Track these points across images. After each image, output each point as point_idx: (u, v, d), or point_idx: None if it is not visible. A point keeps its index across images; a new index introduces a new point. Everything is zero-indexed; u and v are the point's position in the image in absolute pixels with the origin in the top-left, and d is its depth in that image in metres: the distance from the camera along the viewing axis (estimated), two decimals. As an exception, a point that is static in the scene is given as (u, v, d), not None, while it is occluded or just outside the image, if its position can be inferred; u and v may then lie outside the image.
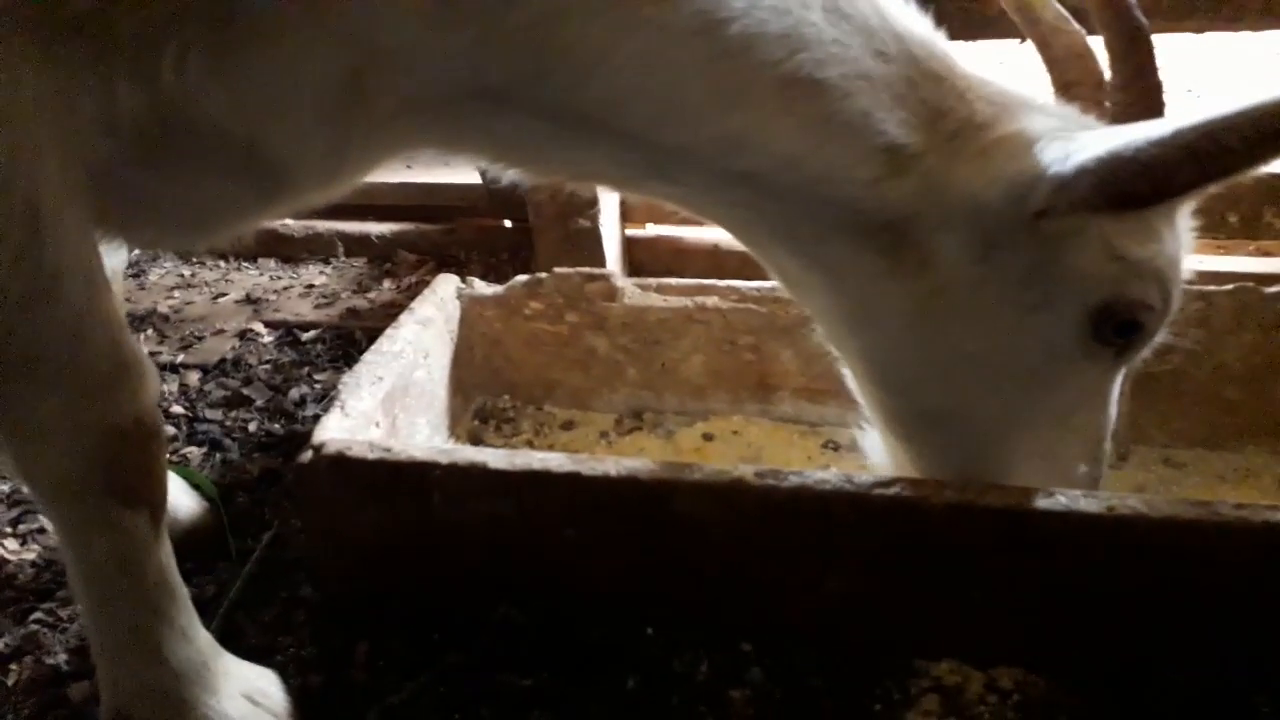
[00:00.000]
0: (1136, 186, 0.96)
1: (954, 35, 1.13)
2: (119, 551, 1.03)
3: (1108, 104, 1.15)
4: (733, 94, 0.98)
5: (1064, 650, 1.22)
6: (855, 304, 1.14)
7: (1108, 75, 1.15)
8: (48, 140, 0.86)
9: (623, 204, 2.35)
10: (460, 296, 1.82)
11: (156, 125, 0.91)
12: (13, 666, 1.33)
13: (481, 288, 1.84)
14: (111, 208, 0.98)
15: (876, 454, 1.32)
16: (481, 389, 1.88)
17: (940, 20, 1.10)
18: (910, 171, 1.03)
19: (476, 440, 1.80)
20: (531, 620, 1.31)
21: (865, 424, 1.33)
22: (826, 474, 1.20)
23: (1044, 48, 1.22)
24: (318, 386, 2.04)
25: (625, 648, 1.28)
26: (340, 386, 1.46)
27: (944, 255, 1.06)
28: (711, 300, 1.73)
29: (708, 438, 1.76)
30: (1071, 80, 1.20)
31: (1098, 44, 1.17)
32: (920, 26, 1.05)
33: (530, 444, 1.79)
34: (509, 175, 1.16)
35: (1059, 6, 1.21)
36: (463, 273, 1.90)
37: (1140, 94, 1.10)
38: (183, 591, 1.11)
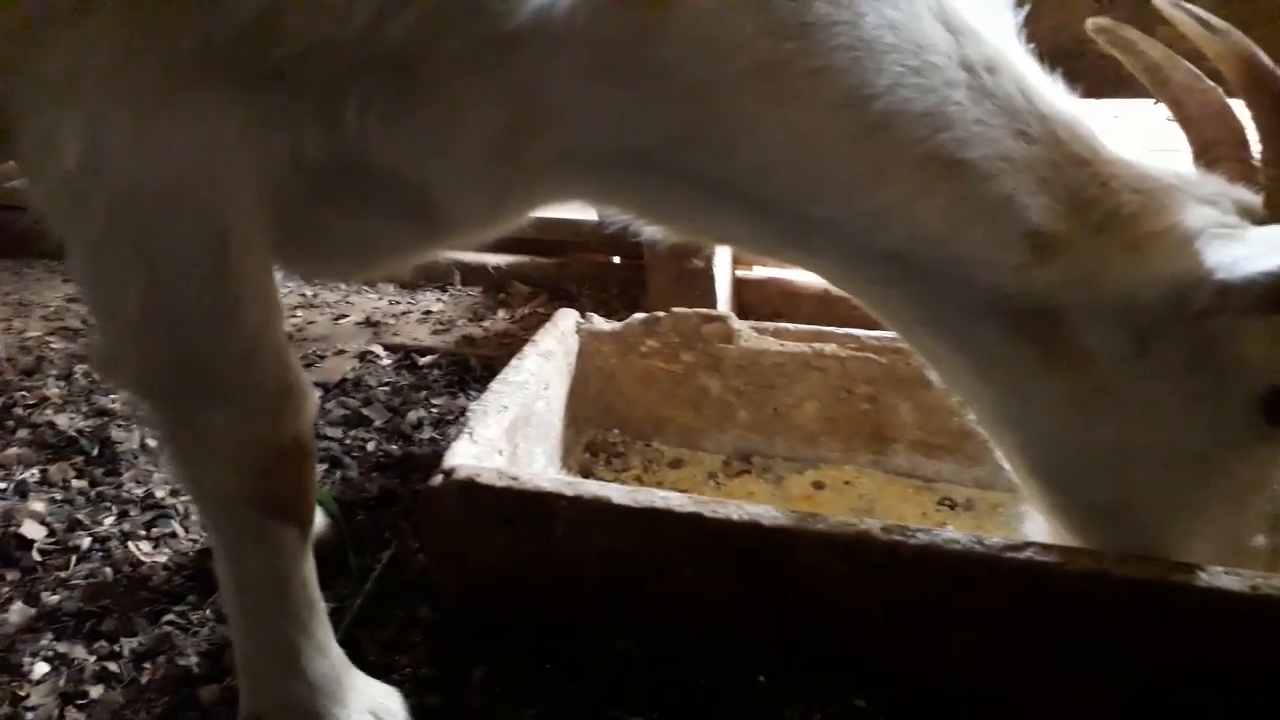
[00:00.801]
0: None
1: (1089, 94, 1.11)
2: (270, 564, 1.08)
3: (1255, 163, 1.12)
4: (874, 171, 0.99)
5: (1195, 730, 1.17)
6: (1007, 393, 1.12)
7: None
8: (242, 174, 0.92)
9: (735, 246, 2.37)
10: (579, 331, 1.86)
11: (336, 164, 0.97)
12: (146, 665, 1.39)
13: (600, 323, 1.88)
14: (285, 239, 1.03)
15: (1041, 536, 1.29)
16: (593, 422, 1.91)
17: (1075, 79, 1.09)
18: (1056, 260, 1.02)
19: (586, 473, 1.82)
20: (647, 657, 1.31)
21: (1027, 506, 1.31)
22: (956, 534, 1.19)
23: (1177, 108, 1.18)
24: (434, 411, 2.10)
25: (737, 693, 1.28)
26: (468, 413, 1.50)
27: (1099, 349, 1.04)
28: (830, 347, 1.73)
29: (818, 486, 1.75)
30: (1210, 139, 1.16)
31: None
32: (1065, 105, 1.04)
33: (639, 480, 1.81)
34: (649, 230, 1.18)
35: (1190, 65, 1.18)
36: (573, 306, 1.94)
37: None
38: (322, 606, 1.15)
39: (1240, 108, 1.12)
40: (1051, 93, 1.03)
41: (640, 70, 0.94)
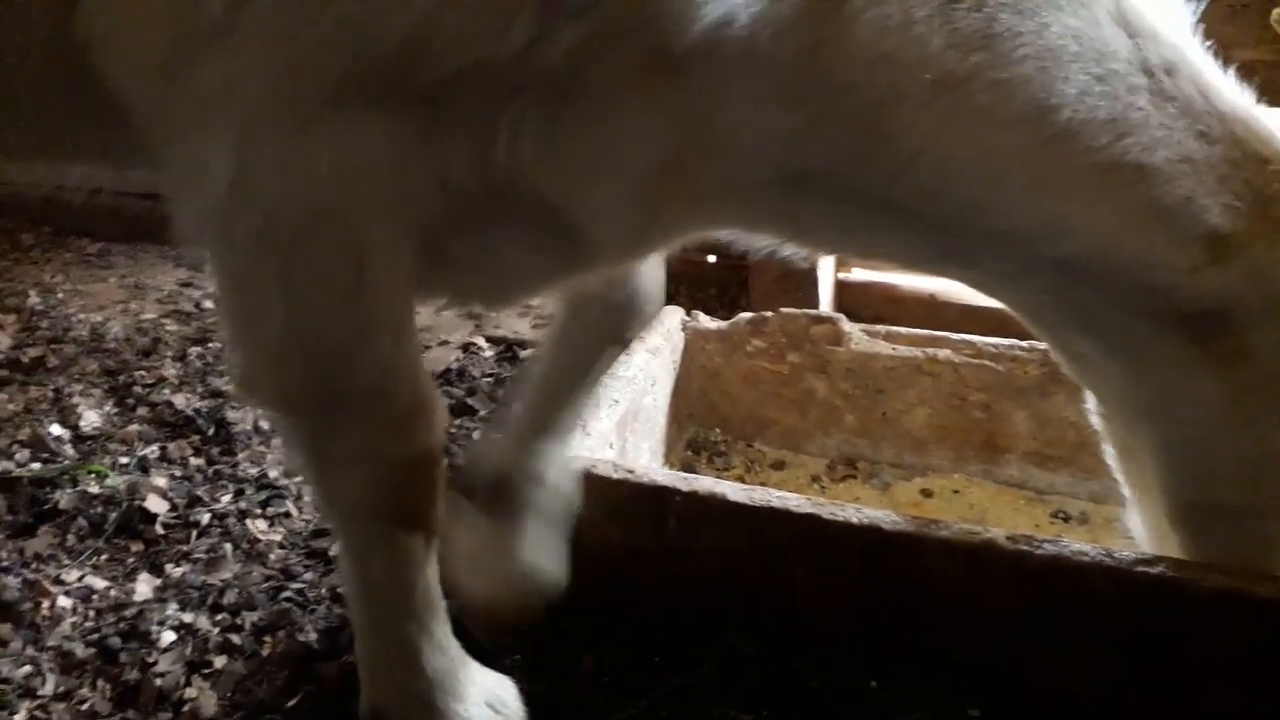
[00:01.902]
0: None
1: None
2: (394, 570, 1.09)
3: None
4: (1053, 181, 0.97)
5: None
6: (1158, 393, 1.10)
7: None
8: (383, 201, 0.92)
9: (838, 248, 2.35)
10: (685, 329, 1.86)
11: (480, 192, 0.95)
12: (266, 639, 1.43)
13: (705, 321, 1.88)
14: (420, 267, 1.02)
15: (1140, 537, 1.26)
16: (695, 420, 1.91)
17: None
18: (1232, 260, 0.99)
19: (688, 470, 1.82)
20: (756, 654, 1.31)
21: (1129, 506, 1.28)
22: (1085, 546, 1.16)
23: None
24: (536, 403, 2.12)
25: (847, 696, 1.27)
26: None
27: (1263, 348, 1.02)
28: (944, 353, 1.70)
29: (926, 494, 1.73)
30: None
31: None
32: (1243, 103, 1.00)
33: (741, 479, 1.81)
34: (788, 250, 1.16)
35: None
36: (671, 304, 1.94)
37: None
38: (442, 605, 1.16)
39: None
40: (1229, 90, 1.00)
41: (819, 90, 0.91)
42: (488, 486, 1.37)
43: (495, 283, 1.15)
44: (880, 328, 1.78)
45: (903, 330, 1.77)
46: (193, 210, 0.95)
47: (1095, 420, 1.26)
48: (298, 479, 1.84)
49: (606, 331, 1.34)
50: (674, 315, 1.87)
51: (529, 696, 1.27)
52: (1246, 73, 1.74)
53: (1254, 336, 1.02)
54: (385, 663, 1.17)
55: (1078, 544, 1.17)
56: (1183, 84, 0.97)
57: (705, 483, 1.32)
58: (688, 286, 2.71)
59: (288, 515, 1.74)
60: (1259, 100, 1.77)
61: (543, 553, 1.35)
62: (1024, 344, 1.65)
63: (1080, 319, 1.09)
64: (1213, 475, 1.11)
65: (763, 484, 1.79)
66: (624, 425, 1.57)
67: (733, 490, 1.30)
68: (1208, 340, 1.03)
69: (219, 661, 1.39)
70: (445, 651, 1.18)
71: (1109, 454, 1.27)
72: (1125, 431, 1.20)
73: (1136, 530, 1.26)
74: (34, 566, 1.62)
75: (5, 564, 1.63)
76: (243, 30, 0.85)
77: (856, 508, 1.25)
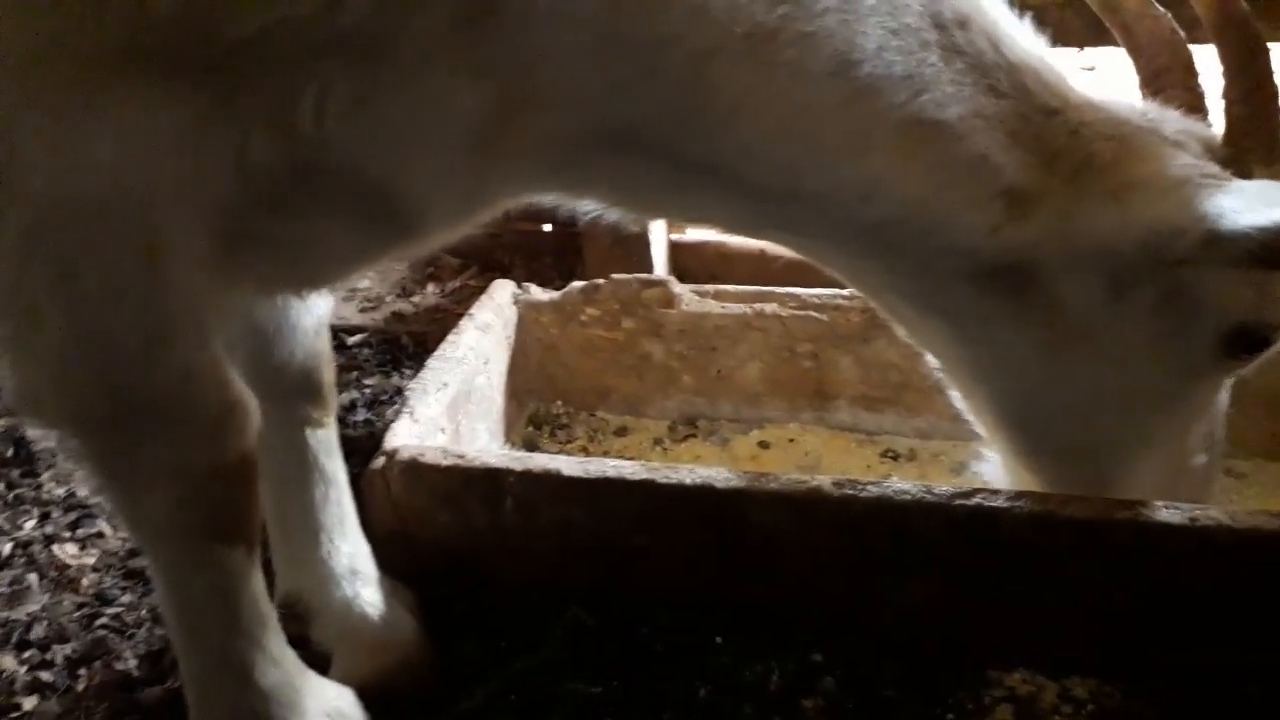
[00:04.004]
0: None
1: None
2: (217, 586, 1.01)
3: (1202, 92, 1.13)
4: (862, 139, 0.97)
5: (1140, 660, 1.21)
6: (980, 350, 1.14)
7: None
8: (174, 183, 0.84)
9: (668, 209, 2.34)
10: (517, 302, 1.83)
11: (288, 170, 0.89)
12: (82, 672, 1.34)
13: (538, 294, 1.84)
14: (223, 253, 0.94)
15: (997, 480, 1.31)
16: (535, 395, 1.88)
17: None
18: (1031, 215, 1.02)
19: (531, 446, 1.80)
20: (601, 626, 1.30)
21: (985, 452, 1.33)
22: (906, 485, 1.20)
23: (1127, 35, 1.17)
24: (367, 391, 2.04)
25: (696, 656, 1.28)
26: (407, 392, 1.46)
27: (1073, 298, 1.06)
28: (770, 307, 1.73)
29: (764, 445, 1.76)
30: (1160, 67, 1.16)
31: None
32: (1035, 53, 1.03)
33: (585, 450, 1.79)
34: (613, 215, 1.14)
35: None
36: (507, 278, 1.90)
37: (1258, 107, 1.06)
38: (273, 617, 1.09)
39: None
40: (1022, 40, 1.02)
41: (639, 42, 0.89)
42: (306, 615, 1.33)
43: (308, 266, 1.07)
44: (709, 287, 1.80)
45: (731, 288, 1.78)
46: None
47: (938, 374, 1.30)
48: (111, 495, 1.72)
49: (298, 420, 1.30)
50: (504, 289, 1.83)
51: (375, 694, 1.23)
52: (1040, 18, 1.81)
53: (1060, 287, 1.06)
54: (213, 681, 1.08)
55: (900, 484, 1.20)
56: (975, 37, 0.98)
57: (539, 460, 1.30)
58: (524, 257, 2.67)
59: (100, 536, 1.62)
60: (1053, 43, 1.85)
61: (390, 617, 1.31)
62: (845, 293, 1.69)
63: (900, 283, 1.11)
64: (1043, 421, 1.17)
65: (606, 452, 1.79)
66: (455, 408, 1.52)
67: (567, 465, 1.28)
68: (1020, 295, 1.07)
69: (28, 703, 1.29)
70: (280, 664, 1.11)
71: (957, 400, 1.31)
72: (959, 388, 1.24)
73: (996, 469, 1.32)
74: None
75: None
76: None
77: (690, 469, 1.25)
